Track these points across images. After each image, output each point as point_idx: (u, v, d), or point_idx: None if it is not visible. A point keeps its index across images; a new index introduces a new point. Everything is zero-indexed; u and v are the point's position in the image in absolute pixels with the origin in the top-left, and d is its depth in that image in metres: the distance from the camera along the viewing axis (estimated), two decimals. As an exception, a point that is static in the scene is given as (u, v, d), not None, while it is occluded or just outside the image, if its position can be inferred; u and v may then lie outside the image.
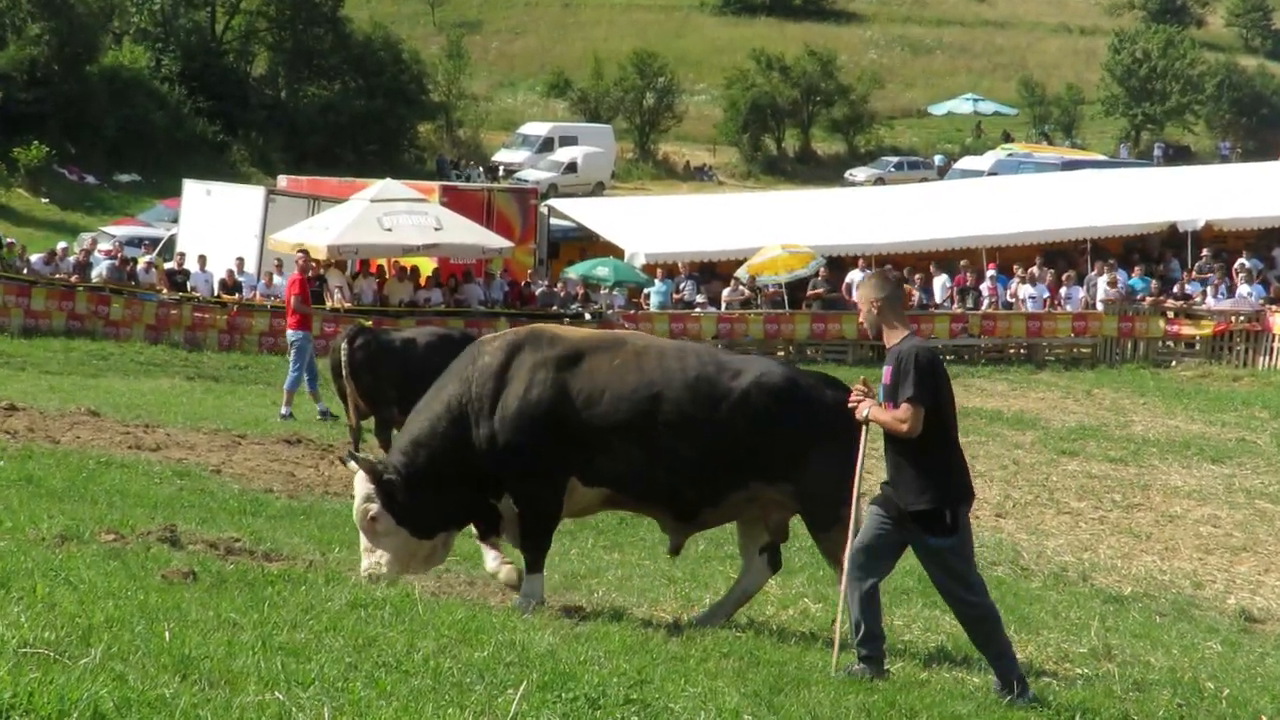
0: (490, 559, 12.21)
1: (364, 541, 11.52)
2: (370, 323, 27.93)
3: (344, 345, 21.95)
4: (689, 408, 11.35)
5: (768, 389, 11.44)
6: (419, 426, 11.61)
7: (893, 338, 10.26)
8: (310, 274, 30.58)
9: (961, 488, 10.13)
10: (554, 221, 48.22)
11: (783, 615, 12.80)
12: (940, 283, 43.16)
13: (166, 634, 7.66)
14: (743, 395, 11.40)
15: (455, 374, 11.69)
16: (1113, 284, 43.05)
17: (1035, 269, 44.19)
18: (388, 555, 11.40)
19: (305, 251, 30.83)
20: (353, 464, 11.74)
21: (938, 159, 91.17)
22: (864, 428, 10.35)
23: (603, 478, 11.49)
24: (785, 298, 41.98)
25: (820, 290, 42.74)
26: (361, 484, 11.47)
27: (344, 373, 21.98)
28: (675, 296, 42.27)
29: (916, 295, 42.13)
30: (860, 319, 10.62)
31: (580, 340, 11.81)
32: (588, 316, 39.96)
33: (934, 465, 10.02)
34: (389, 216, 38.59)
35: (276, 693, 6.67)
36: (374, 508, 11.37)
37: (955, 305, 42.54)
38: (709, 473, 11.43)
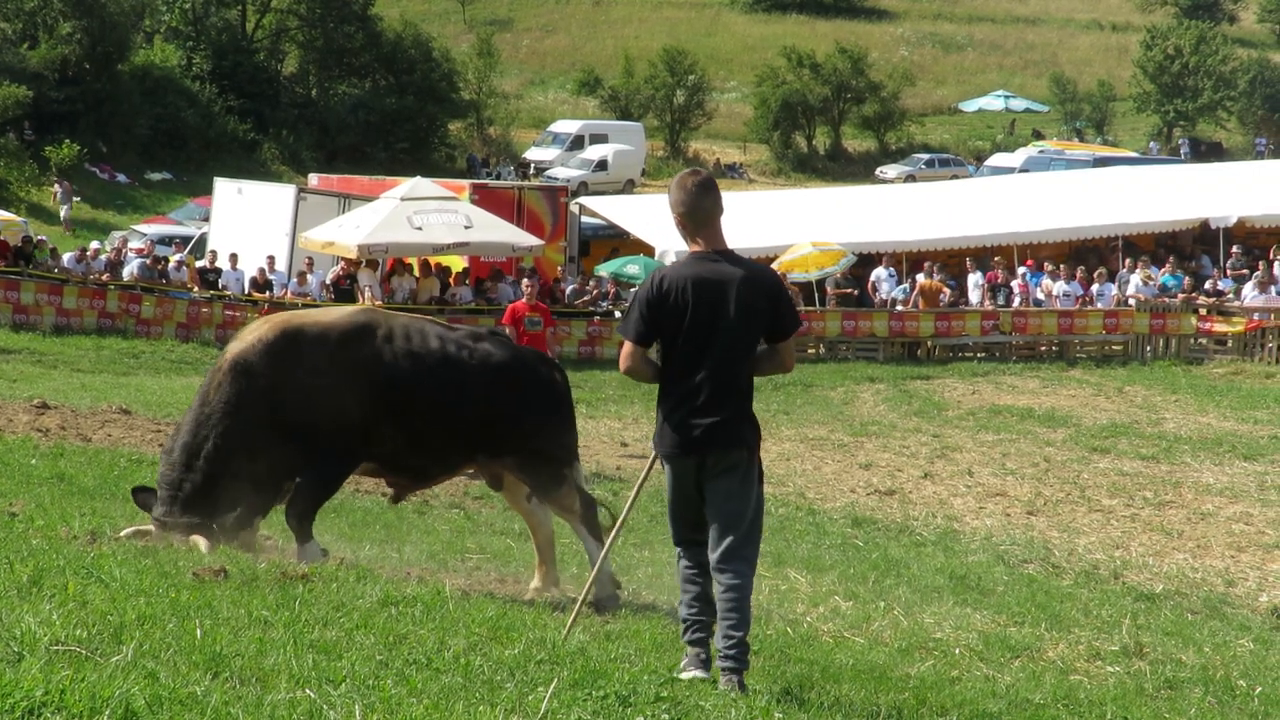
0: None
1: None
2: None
3: None
4: (438, 393, 11.80)
5: (502, 371, 12.02)
6: (206, 449, 11.51)
7: None
8: (536, 300, 29.45)
9: (670, 437, 8.84)
10: (585, 219, 48.21)
11: (813, 613, 12.80)
12: (974, 280, 43.06)
13: (198, 631, 7.67)
14: (483, 378, 11.95)
15: (225, 388, 11.57)
16: (1145, 281, 42.96)
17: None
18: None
19: (534, 282, 29.52)
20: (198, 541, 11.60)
21: (970, 168, 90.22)
22: None
23: (371, 456, 11.92)
24: (816, 294, 41.97)
25: (846, 289, 42.74)
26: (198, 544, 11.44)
27: None
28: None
29: (947, 292, 42.09)
30: None
31: (329, 328, 11.90)
32: (618, 315, 40.01)
33: (660, 405, 8.94)
34: (419, 215, 38.60)
35: (308, 690, 6.68)
36: (205, 545, 11.27)
37: (986, 302, 42.42)
38: (452, 450, 12.03)
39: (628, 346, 8.84)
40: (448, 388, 11.78)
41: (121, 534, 11.46)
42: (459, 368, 11.88)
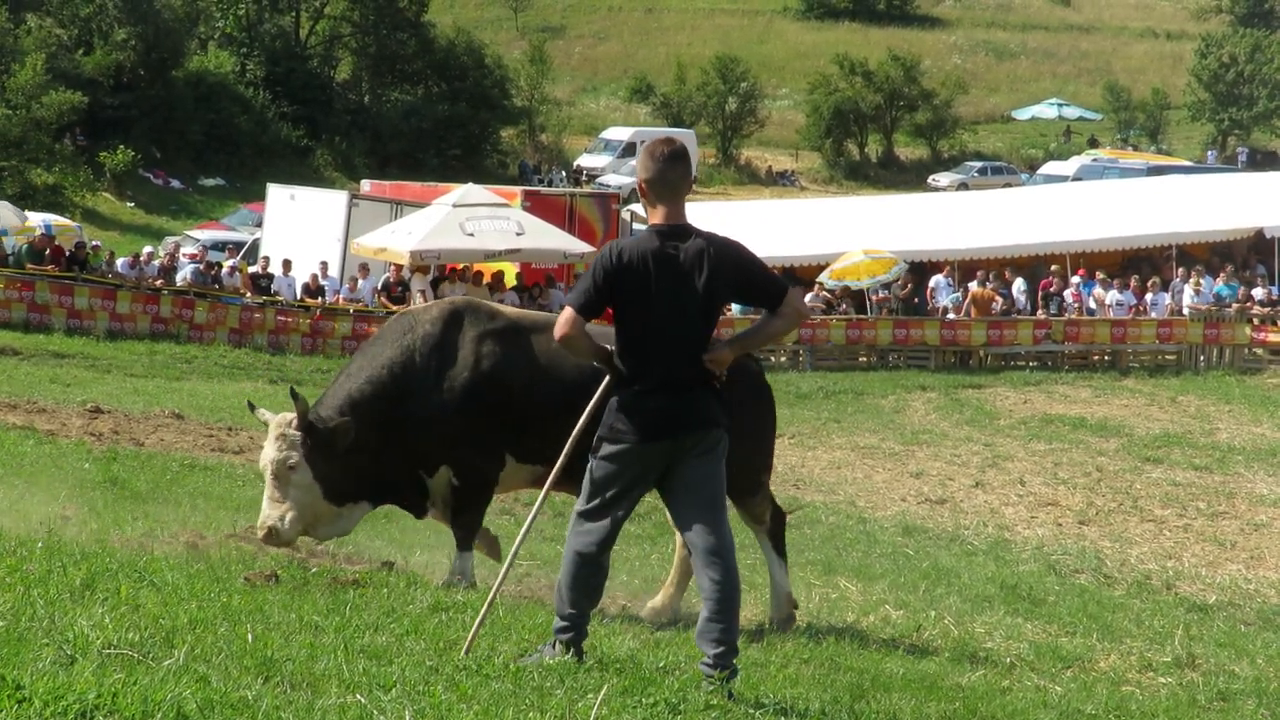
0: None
1: (271, 491, 11.14)
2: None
3: None
4: None
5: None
6: (358, 388, 11.31)
7: None
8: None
9: (639, 421, 8.24)
10: (636, 226, 48.18)
11: (864, 621, 12.77)
12: (1017, 287, 42.90)
13: (249, 636, 7.70)
14: None
15: (391, 341, 11.44)
16: (1197, 290, 42.78)
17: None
18: (294, 512, 11.10)
19: None
20: (264, 413, 11.43)
21: (1023, 176, 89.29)
22: None
23: (537, 456, 11.34)
24: (868, 303, 41.90)
25: (896, 294, 42.64)
26: (282, 429, 11.15)
27: None
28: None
29: (1000, 300, 41.96)
30: None
31: (517, 316, 11.77)
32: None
33: (623, 388, 8.35)
34: (471, 221, 38.69)
35: (358, 695, 6.70)
36: (295, 457, 11.06)
37: (1040, 311, 42.29)
38: None
39: (569, 313, 8.24)
40: None
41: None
42: None
